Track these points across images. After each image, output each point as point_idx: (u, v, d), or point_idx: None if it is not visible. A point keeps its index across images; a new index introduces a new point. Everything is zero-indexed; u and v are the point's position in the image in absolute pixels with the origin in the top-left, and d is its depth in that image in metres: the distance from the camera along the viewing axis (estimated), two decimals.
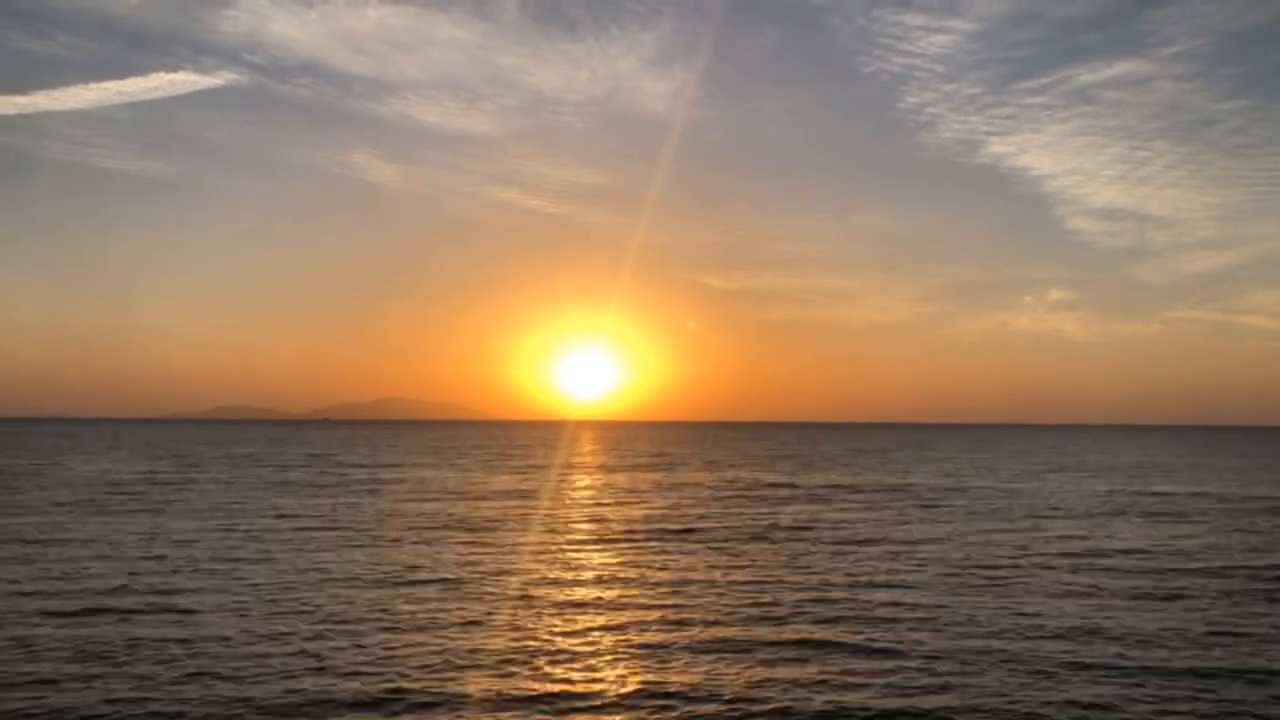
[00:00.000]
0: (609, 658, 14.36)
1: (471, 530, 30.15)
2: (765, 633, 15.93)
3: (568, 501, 40.88)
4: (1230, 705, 12.34)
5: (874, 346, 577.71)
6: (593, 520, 33.21)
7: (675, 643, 15.20)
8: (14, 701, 12.10)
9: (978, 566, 22.95)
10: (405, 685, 12.83)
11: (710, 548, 26.22)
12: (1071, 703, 12.26)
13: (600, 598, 19.11)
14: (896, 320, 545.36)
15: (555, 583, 20.76)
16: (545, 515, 34.75)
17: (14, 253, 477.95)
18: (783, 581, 20.82)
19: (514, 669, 13.70)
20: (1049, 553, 25.29)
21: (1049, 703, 12.26)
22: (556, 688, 12.81)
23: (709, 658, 14.32)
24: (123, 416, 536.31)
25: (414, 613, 17.35)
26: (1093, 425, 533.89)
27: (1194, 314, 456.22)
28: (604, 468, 69.10)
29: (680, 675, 13.39)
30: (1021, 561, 23.74)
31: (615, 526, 31.28)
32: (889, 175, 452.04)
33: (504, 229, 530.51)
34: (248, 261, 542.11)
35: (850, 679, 13.30)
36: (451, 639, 15.38)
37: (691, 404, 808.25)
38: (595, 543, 27.40)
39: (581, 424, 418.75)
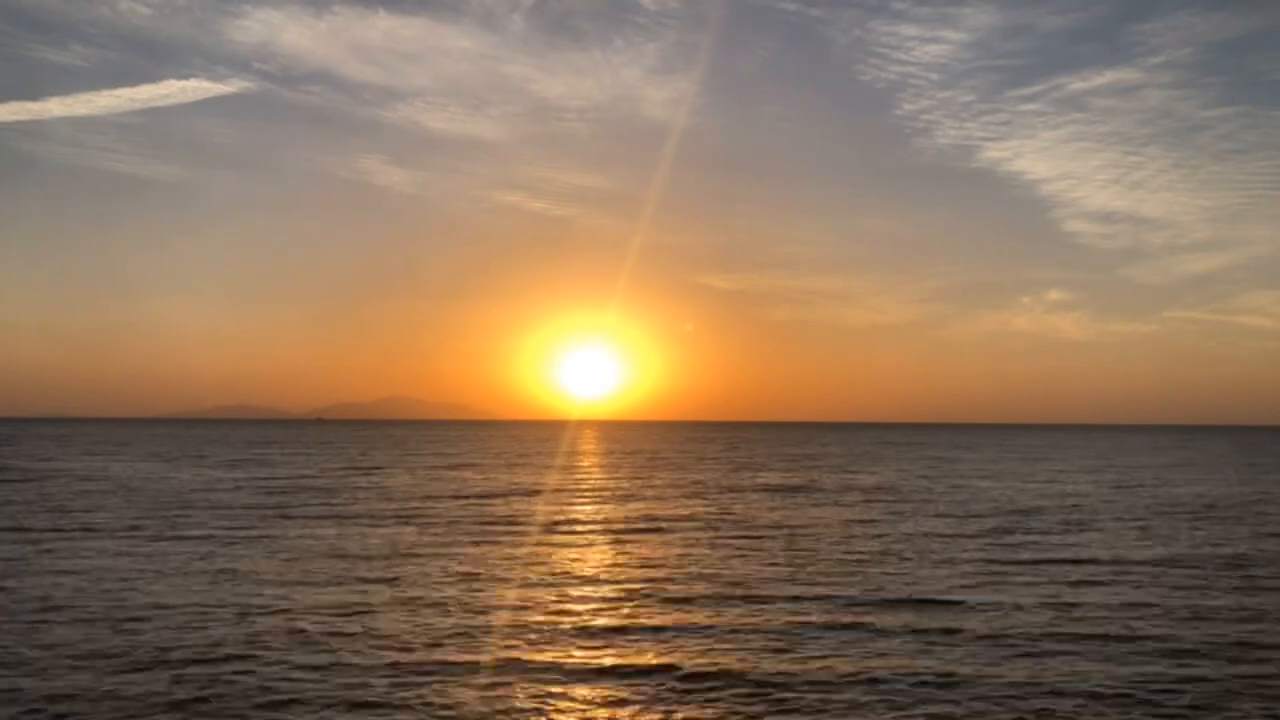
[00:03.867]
0: None
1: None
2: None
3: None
4: None
5: (873, 347, 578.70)
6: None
7: None
8: None
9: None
10: None
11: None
12: None
13: None
14: (896, 321, 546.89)
15: None
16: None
17: (21, 254, 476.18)
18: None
19: None
20: None
21: None
22: None
23: None
24: (123, 416, 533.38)
25: None
26: (1095, 425, 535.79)
27: (1190, 314, 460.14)
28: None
29: None
30: None
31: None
32: (887, 179, 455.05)
33: (508, 231, 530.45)
34: (254, 263, 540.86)
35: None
36: None
37: (692, 403, 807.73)
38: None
39: (583, 423, 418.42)
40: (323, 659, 14.54)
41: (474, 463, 76.15)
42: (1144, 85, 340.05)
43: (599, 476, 60.38)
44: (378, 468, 67.33)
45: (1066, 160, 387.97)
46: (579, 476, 60.33)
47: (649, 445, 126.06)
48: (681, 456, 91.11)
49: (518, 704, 12.51)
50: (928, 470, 68.01)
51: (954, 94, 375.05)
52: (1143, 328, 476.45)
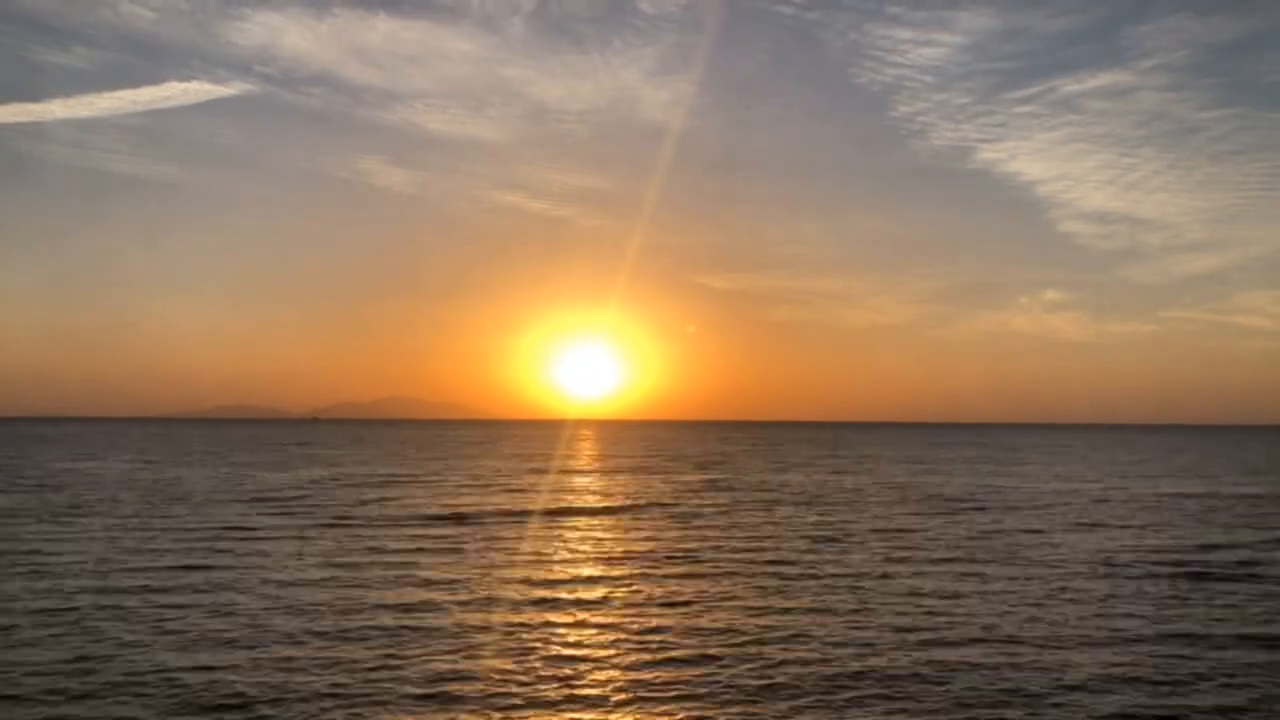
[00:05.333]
0: None
1: None
2: None
3: None
4: None
5: (873, 347, 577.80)
6: None
7: None
8: None
9: None
10: None
11: None
12: None
13: None
14: (895, 321, 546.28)
15: None
16: None
17: (21, 254, 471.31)
18: None
19: None
20: None
21: None
22: None
23: None
24: (123, 416, 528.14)
25: None
26: (1094, 426, 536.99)
27: (1187, 314, 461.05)
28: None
29: None
30: None
31: None
32: (884, 180, 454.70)
33: (507, 231, 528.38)
34: (254, 263, 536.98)
35: None
36: None
37: (691, 403, 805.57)
38: None
39: (581, 422, 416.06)
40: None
41: (572, 468, 73.34)
42: (1139, 87, 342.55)
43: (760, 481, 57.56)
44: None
45: (1062, 161, 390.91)
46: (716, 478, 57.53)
47: (691, 447, 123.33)
48: (754, 458, 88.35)
49: None
50: (1042, 471, 65.56)
51: (950, 96, 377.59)
52: (1140, 328, 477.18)
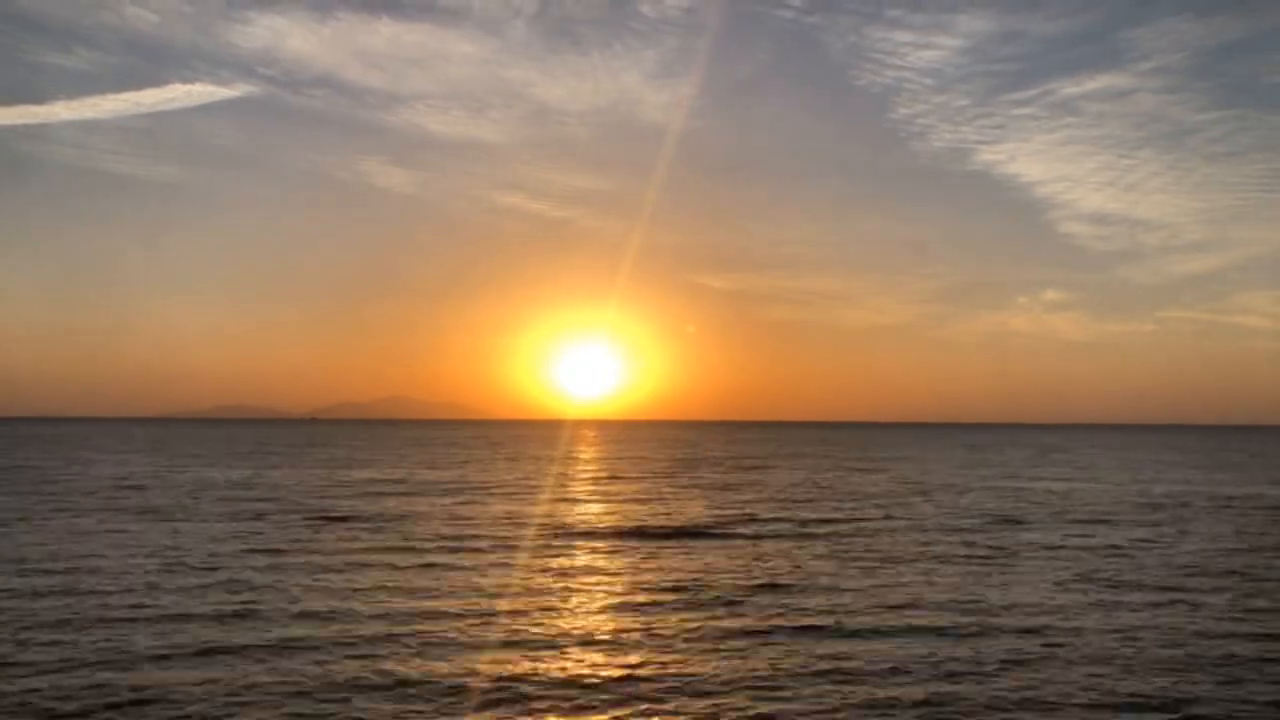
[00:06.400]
0: None
1: None
2: None
3: None
4: None
5: (873, 347, 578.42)
6: None
7: None
8: None
9: None
10: None
11: None
12: None
13: None
14: (895, 321, 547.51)
15: None
16: None
17: (22, 255, 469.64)
18: None
19: None
20: None
21: None
22: None
23: None
24: (123, 416, 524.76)
25: None
26: (1095, 425, 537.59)
27: (1185, 314, 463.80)
28: None
29: None
30: None
31: None
32: (884, 181, 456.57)
33: (508, 231, 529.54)
34: (255, 263, 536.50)
35: None
36: None
37: (692, 403, 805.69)
38: None
39: (581, 423, 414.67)
40: None
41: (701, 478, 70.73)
42: (1136, 90, 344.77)
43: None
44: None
45: (1061, 163, 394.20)
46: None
47: (716, 450, 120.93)
48: (795, 461, 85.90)
49: None
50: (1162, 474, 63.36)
51: (949, 98, 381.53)
52: (1139, 327, 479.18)
